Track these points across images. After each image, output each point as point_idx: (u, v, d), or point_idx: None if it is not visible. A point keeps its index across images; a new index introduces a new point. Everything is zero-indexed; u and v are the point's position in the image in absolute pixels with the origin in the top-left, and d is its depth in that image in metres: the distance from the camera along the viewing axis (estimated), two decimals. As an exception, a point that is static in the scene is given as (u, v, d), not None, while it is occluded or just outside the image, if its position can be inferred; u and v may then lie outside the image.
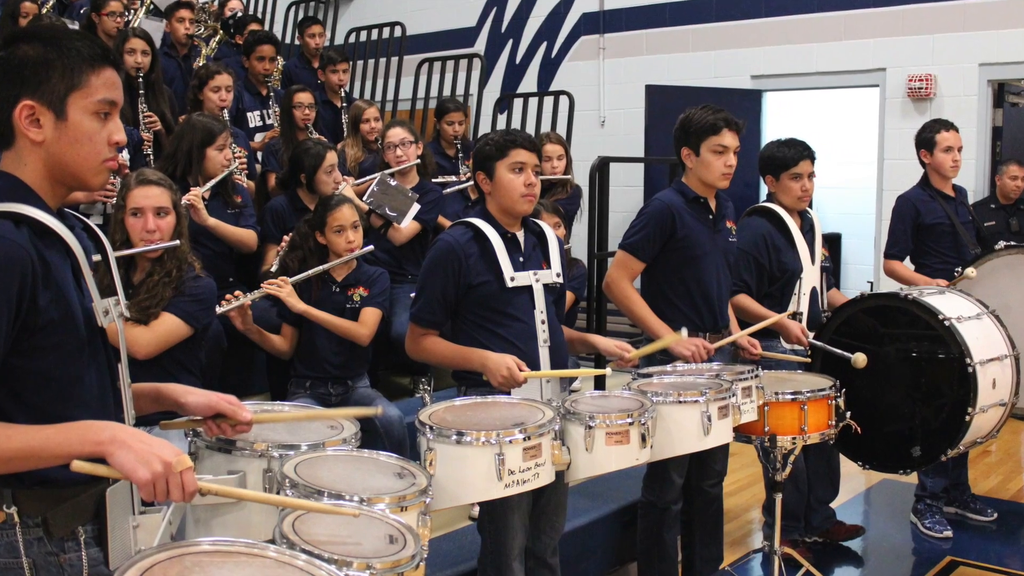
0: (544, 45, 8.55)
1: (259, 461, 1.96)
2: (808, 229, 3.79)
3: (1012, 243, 4.26)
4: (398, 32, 7.70)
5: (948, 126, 4.26)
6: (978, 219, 4.53)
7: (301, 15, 8.15)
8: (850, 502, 4.59)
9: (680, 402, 2.68)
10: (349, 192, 4.22)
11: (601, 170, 4.84)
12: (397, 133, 4.60)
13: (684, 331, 3.14)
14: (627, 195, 7.09)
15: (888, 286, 4.44)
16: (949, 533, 4.18)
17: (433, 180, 4.84)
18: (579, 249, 4.81)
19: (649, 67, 7.83)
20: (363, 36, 8.06)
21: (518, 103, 7.27)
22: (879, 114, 7.03)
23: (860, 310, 3.62)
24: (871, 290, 5.46)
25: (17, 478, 1.54)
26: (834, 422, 3.18)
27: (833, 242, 7.70)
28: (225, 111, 4.71)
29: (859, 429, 3.28)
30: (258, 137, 5.31)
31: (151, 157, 4.36)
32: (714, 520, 3.55)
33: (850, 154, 7.71)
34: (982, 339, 3.45)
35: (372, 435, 3.25)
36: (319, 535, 1.61)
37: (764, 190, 3.91)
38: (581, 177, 5.00)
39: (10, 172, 1.59)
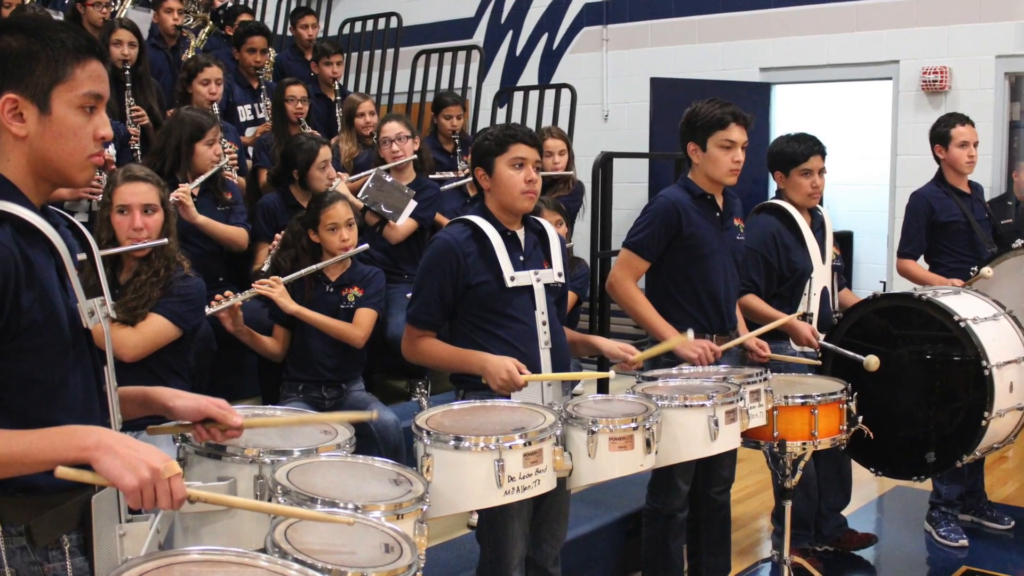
0: (545, 36, 8.49)
1: (250, 467, 1.96)
2: (819, 227, 3.75)
3: None
4: (394, 23, 7.66)
5: (964, 120, 4.20)
6: (995, 217, 4.50)
7: (293, 5, 8.08)
8: (862, 510, 4.56)
9: (686, 406, 2.68)
10: (343, 189, 4.20)
11: (604, 166, 4.81)
12: (393, 128, 4.55)
13: (690, 332, 3.11)
14: (631, 192, 7.03)
15: (901, 286, 4.40)
16: (964, 542, 4.13)
17: (430, 176, 4.80)
18: (581, 247, 4.79)
19: (654, 59, 7.76)
20: (358, 27, 8.00)
21: (518, 96, 7.20)
22: (892, 108, 6.96)
23: (872, 311, 3.57)
24: (884, 290, 5.43)
25: None
26: (846, 427, 3.16)
27: (845, 240, 7.65)
28: (215, 105, 4.66)
29: (871, 434, 3.26)
30: (249, 132, 5.28)
31: (138, 152, 4.32)
32: (721, 528, 3.51)
33: (862, 149, 7.65)
34: (999, 341, 3.41)
35: (367, 440, 3.23)
36: (312, 544, 1.60)
37: (773, 187, 3.85)
38: (583, 173, 4.96)
39: None
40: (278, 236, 3.81)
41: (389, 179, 4.40)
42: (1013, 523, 4.32)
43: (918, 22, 6.69)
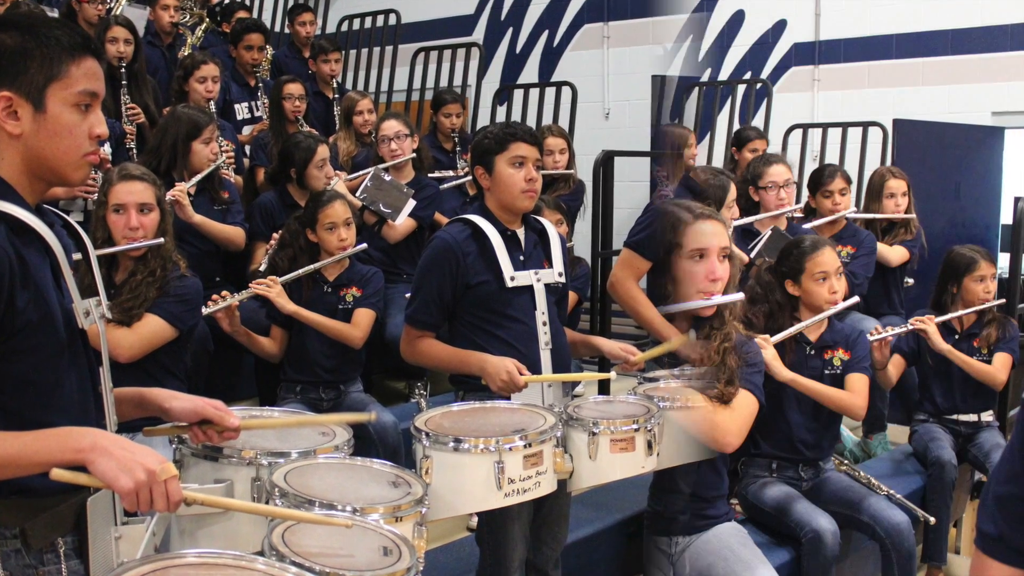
0: (546, 33, 8.46)
1: (247, 469, 1.96)
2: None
3: None
4: (393, 20, 7.62)
5: None
6: None
7: (291, 2, 8.02)
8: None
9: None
10: (341, 188, 4.18)
11: (605, 164, 4.76)
12: (392, 126, 4.53)
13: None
14: (632, 191, 6.98)
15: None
16: (968, 542, 4.09)
17: (429, 175, 4.78)
18: (582, 247, 4.75)
19: (655, 57, 7.71)
20: (356, 24, 7.96)
21: (518, 94, 7.17)
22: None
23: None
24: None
25: None
26: (849, 428, 3.12)
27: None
28: (211, 103, 4.65)
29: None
30: (246, 130, 5.26)
31: (134, 151, 4.31)
32: (724, 530, 3.44)
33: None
34: None
35: (366, 442, 3.22)
36: (310, 547, 1.60)
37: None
38: (584, 172, 4.93)
39: None
40: (275, 235, 3.79)
41: (388, 178, 4.37)
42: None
43: None
